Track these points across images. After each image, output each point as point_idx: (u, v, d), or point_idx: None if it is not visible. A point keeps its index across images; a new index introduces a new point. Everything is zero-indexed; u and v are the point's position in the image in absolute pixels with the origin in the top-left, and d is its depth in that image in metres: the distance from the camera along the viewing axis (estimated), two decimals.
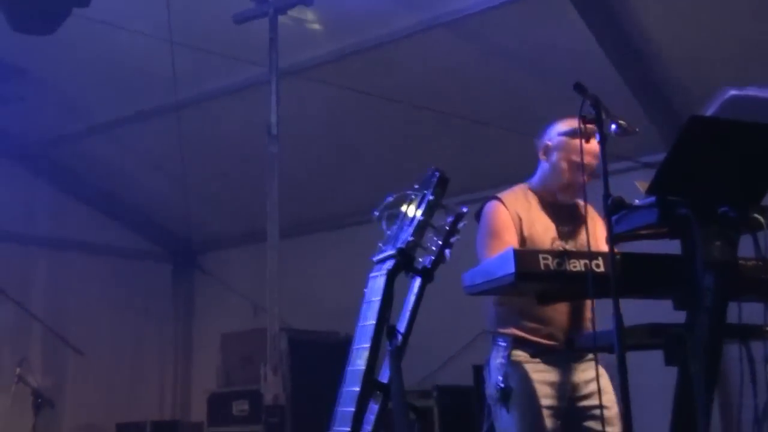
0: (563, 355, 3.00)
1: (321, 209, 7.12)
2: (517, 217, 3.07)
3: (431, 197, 1.97)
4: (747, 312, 2.53)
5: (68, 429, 7.37)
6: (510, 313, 3.06)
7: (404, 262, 1.99)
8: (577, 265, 2.45)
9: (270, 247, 5.09)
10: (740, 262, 2.52)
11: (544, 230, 3.08)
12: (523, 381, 3.01)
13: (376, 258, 2.06)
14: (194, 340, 8.33)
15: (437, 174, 1.98)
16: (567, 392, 3.03)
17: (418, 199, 1.98)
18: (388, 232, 2.01)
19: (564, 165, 3.04)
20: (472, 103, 5.38)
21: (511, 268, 2.40)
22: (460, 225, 2.02)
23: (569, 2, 4.71)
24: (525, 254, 2.43)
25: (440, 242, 1.97)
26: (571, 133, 2.93)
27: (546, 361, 3.00)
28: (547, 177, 3.13)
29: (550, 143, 3.11)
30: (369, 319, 2.07)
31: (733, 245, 2.44)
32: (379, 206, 2.03)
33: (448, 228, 2.01)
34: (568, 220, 3.13)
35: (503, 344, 3.05)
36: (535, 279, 2.44)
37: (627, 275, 2.48)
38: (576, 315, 3.03)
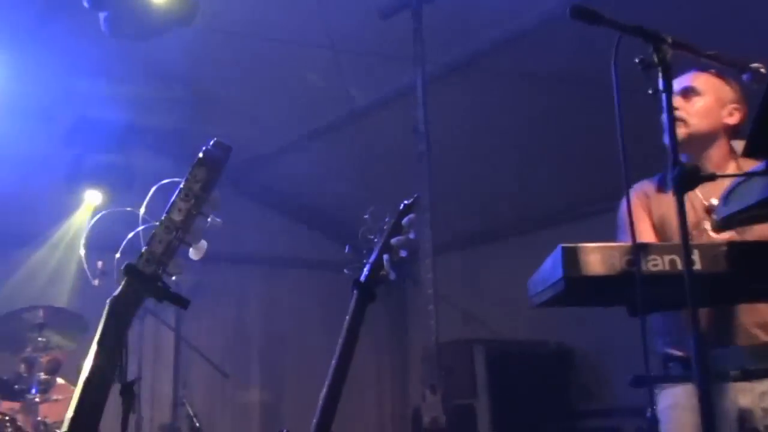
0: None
1: (514, 212, 6.61)
2: (646, 200, 2.48)
3: (183, 183, 1.48)
4: None
5: None
6: (663, 323, 2.45)
7: (137, 285, 1.46)
8: (659, 263, 1.81)
9: (423, 254, 4.71)
10: None
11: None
12: (669, 410, 2.38)
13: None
14: (410, 353, 8.16)
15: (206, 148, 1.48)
16: (731, 423, 2.31)
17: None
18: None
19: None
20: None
21: (559, 272, 1.82)
22: (406, 220, 1.48)
23: None
24: (579, 251, 1.83)
25: (380, 246, 1.46)
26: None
27: None
28: None
29: None
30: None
31: None
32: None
33: (388, 226, 1.48)
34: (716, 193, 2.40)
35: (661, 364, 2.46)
36: (597, 284, 1.83)
37: (739, 273, 1.79)
38: (721, 322, 2.31)
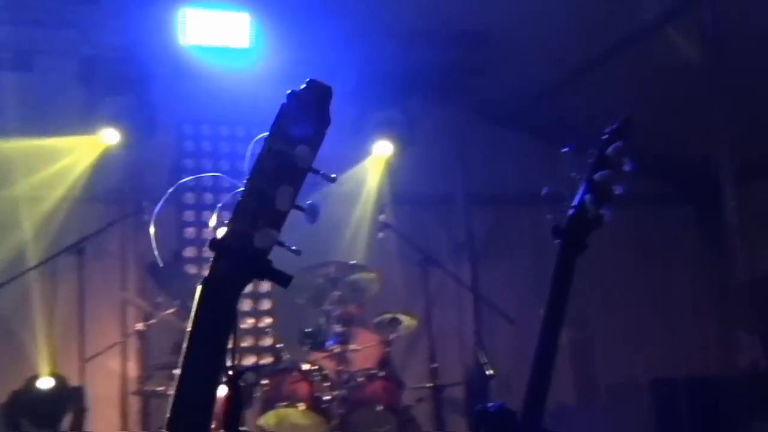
0: None
1: None
2: None
3: (265, 139, 1.17)
4: None
5: (604, 385, 7.28)
6: None
7: (229, 263, 1.19)
8: None
9: (723, 179, 4.15)
10: None
11: None
12: None
13: None
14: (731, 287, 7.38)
15: None
16: None
17: None
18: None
19: None
20: None
21: None
22: (612, 150, 1.13)
23: None
24: None
25: (584, 185, 1.15)
26: None
27: None
28: None
29: None
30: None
31: None
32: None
33: (592, 159, 1.14)
34: None
35: None
36: None
37: None
38: None
